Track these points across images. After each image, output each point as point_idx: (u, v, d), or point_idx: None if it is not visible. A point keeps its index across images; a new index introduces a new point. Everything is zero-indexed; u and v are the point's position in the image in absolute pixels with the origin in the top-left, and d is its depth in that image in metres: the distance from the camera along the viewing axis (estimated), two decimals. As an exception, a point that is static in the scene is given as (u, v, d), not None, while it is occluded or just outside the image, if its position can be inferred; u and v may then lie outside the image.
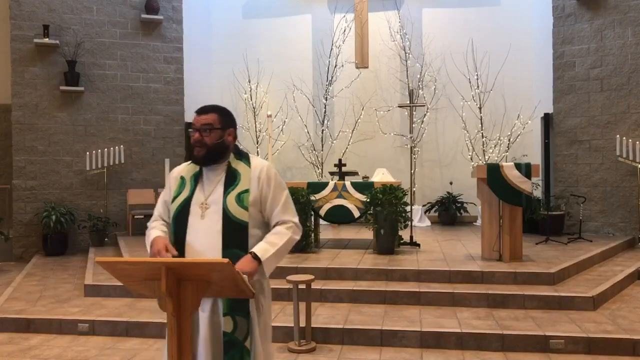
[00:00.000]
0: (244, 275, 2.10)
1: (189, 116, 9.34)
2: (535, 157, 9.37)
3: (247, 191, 2.34)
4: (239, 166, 2.40)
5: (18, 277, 6.88)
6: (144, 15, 9.04)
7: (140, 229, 8.65)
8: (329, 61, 10.62)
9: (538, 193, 8.93)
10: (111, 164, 8.73)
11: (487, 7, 10.37)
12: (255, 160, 2.45)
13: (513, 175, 5.87)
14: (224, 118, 2.40)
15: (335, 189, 6.93)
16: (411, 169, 8.60)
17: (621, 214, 8.25)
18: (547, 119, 9.01)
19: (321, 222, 7.68)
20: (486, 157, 10.06)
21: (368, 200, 6.63)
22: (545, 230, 7.61)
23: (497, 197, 5.94)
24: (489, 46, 9.99)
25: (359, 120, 10.54)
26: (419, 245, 6.95)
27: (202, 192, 2.37)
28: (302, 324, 4.37)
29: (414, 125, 8.13)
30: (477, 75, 10.12)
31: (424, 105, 9.51)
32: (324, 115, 10.68)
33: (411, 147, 8.15)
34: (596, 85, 8.44)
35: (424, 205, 10.13)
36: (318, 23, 10.82)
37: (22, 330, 4.90)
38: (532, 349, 4.20)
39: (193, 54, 9.92)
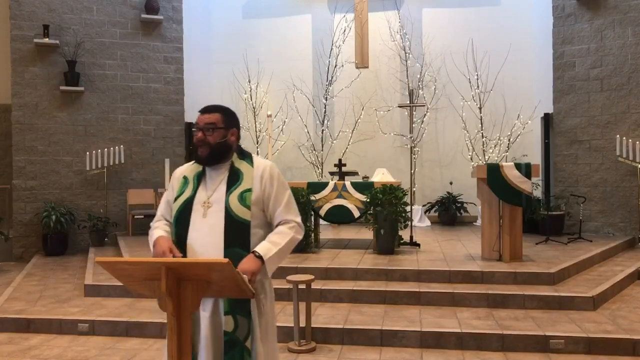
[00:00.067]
0: (245, 275, 2.10)
1: (189, 116, 9.36)
2: (535, 157, 9.37)
3: (249, 190, 2.34)
4: (242, 165, 2.41)
5: (18, 277, 6.88)
6: (144, 15, 9.04)
7: (140, 229, 8.65)
8: (329, 61, 10.62)
9: (538, 193, 8.93)
10: (111, 164, 8.73)
11: (487, 7, 10.37)
12: (258, 160, 2.45)
13: (513, 175, 5.87)
14: (228, 118, 2.41)
15: (335, 189, 6.93)
16: (411, 169, 8.60)
17: (621, 214, 8.25)
18: (547, 119, 9.02)
19: (321, 222, 7.68)
20: (486, 157, 10.06)
21: (368, 200, 6.63)
22: (545, 230, 7.61)
23: (497, 197, 5.94)
24: (489, 46, 10.00)
25: (359, 120, 10.54)
26: (419, 245, 6.95)
27: (204, 191, 2.37)
28: (302, 324, 4.37)
29: (414, 125, 8.13)
30: (477, 75, 10.12)
31: (424, 105, 9.52)
32: (324, 115, 10.68)
33: (411, 147, 8.15)
34: (596, 85, 8.44)
35: (424, 205, 10.13)
36: (318, 23, 10.82)
37: (22, 330, 4.90)
38: (532, 349, 4.20)
39: (193, 54, 9.92)
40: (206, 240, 2.29)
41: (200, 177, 2.41)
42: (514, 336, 4.26)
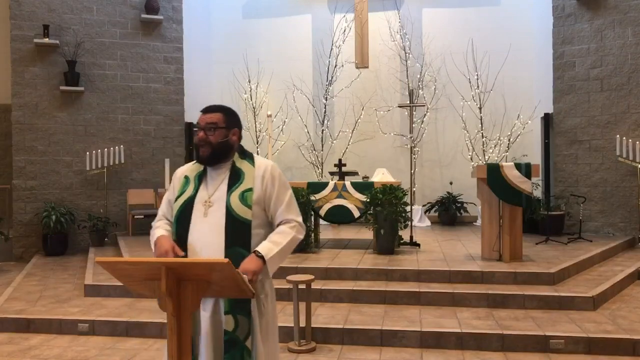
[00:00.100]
0: (245, 275, 2.10)
1: (189, 116, 9.37)
2: (535, 157, 9.37)
3: (250, 190, 2.34)
4: (243, 165, 2.41)
5: (18, 277, 6.88)
6: (144, 15, 9.04)
7: (140, 229, 8.65)
8: (329, 61, 10.62)
9: (538, 193, 8.93)
10: (111, 164, 8.73)
11: (487, 7, 10.37)
12: (259, 159, 2.46)
13: (513, 175, 5.87)
14: (229, 118, 2.42)
15: (335, 189, 6.93)
16: (411, 169, 8.60)
17: (621, 214, 8.25)
18: (547, 119, 9.02)
19: (321, 222, 7.68)
20: (486, 157, 10.06)
21: (368, 200, 6.63)
22: (545, 230, 7.61)
23: (497, 197, 5.94)
24: (489, 46, 9.99)
25: (359, 120, 10.54)
26: (419, 245, 6.95)
27: (205, 191, 2.37)
28: (302, 324, 4.37)
29: (414, 125, 8.13)
30: (477, 75, 10.12)
31: (424, 105, 9.52)
32: (324, 115, 10.68)
33: (411, 147, 8.15)
34: (596, 85, 8.44)
35: (424, 205, 10.13)
36: (318, 23, 10.82)
37: (22, 330, 4.90)
38: (532, 349, 4.20)
39: (193, 54, 9.92)
40: (207, 239, 2.29)
41: (201, 177, 2.41)
42: (514, 336, 4.26)
